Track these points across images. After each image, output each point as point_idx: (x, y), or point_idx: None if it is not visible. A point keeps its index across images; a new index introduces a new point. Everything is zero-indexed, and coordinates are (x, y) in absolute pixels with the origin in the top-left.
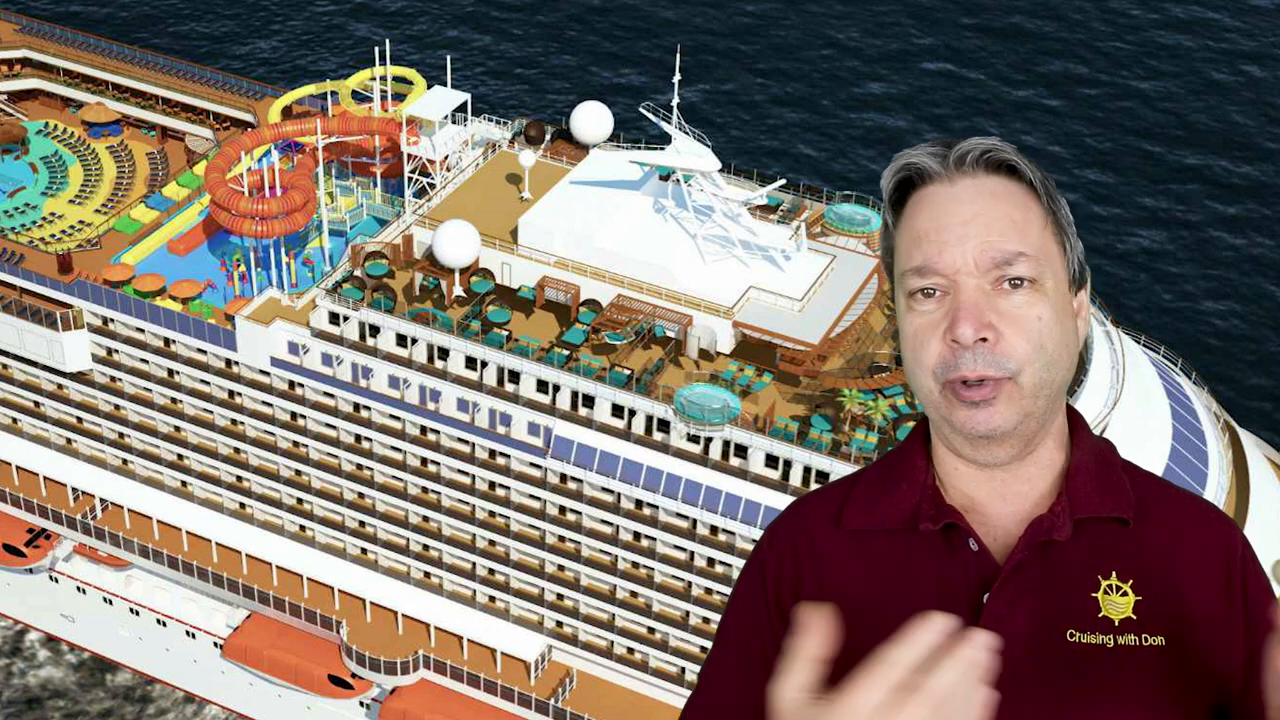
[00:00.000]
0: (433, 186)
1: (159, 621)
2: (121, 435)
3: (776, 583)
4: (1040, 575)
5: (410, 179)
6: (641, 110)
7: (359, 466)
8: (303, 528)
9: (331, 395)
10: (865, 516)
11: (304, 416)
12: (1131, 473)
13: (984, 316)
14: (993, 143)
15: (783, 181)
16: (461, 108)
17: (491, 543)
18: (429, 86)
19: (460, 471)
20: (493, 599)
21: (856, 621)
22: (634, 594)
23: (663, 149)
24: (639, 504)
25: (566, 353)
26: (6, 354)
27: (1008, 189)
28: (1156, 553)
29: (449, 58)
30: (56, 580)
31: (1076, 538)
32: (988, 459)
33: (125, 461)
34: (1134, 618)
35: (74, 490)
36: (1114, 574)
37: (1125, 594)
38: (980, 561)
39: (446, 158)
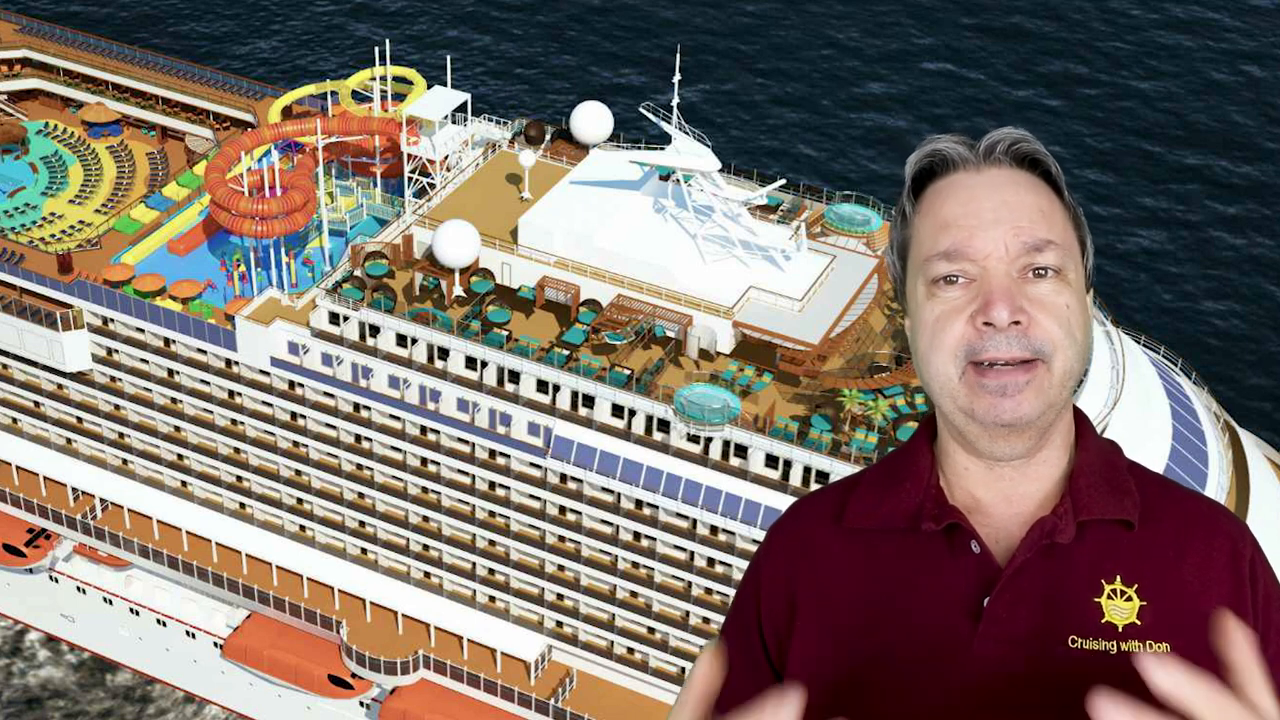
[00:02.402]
0: (433, 186)
1: (159, 621)
2: (121, 435)
3: (771, 590)
4: (1042, 579)
5: (410, 179)
6: (641, 110)
7: (359, 466)
8: (303, 528)
9: (331, 395)
10: (867, 515)
11: (304, 416)
12: (1138, 474)
13: (1017, 299)
14: (1021, 134)
15: (783, 181)
16: (461, 108)
17: (491, 543)
18: (429, 86)
19: (460, 471)
20: (493, 599)
21: (856, 622)
22: (634, 594)
23: (663, 149)
24: (639, 504)
25: (566, 353)
26: (6, 354)
27: (1033, 182)
28: (1163, 556)
29: (449, 58)
30: (56, 580)
31: (1080, 540)
32: (1005, 452)
33: (125, 461)
34: (1138, 623)
35: (74, 490)
36: (1118, 578)
37: (1130, 599)
38: (982, 564)
39: (446, 158)
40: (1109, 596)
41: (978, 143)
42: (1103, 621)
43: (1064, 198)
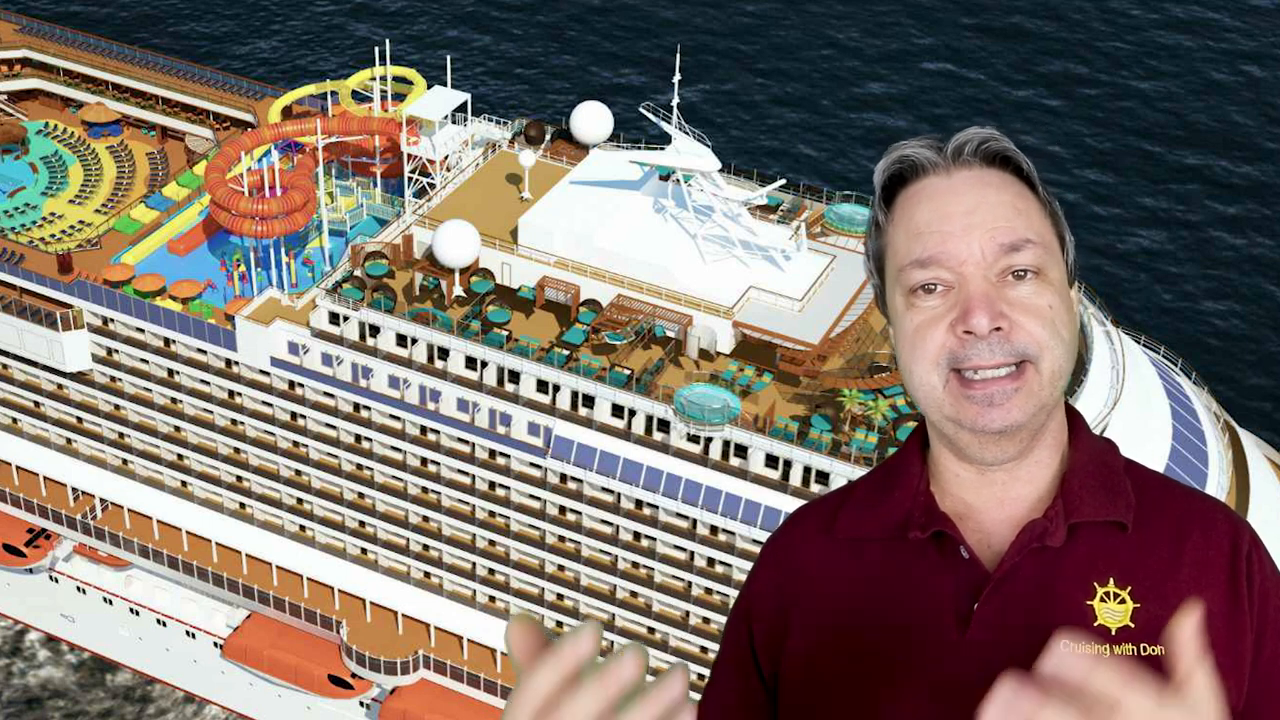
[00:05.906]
0: (433, 186)
1: (159, 621)
2: (121, 435)
3: (762, 602)
4: (1033, 583)
5: (410, 179)
6: (641, 110)
7: (359, 466)
8: (303, 528)
9: (331, 395)
10: (857, 524)
11: (304, 416)
12: (1135, 474)
13: (996, 305)
14: (989, 132)
15: (783, 181)
16: (461, 108)
17: (491, 543)
18: (429, 86)
19: (460, 471)
20: (493, 599)
21: (845, 630)
22: (634, 594)
23: (663, 149)
24: (639, 504)
25: (566, 353)
26: (6, 354)
27: (1005, 180)
28: (1158, 558)
29: (449, 58)
30: (56, 580)
31: (1073, 543)
32: (996, 456)
33: (125, 461)
34: (1132, 626)
35: (74, 490)
36: (1111, 580)
37: (1123, 601)
38: (971, 569)
39: (446, 158)
40: (1101, 599)
41: (945, 145)
42: (1095, 625)
43: (1039, 193)
